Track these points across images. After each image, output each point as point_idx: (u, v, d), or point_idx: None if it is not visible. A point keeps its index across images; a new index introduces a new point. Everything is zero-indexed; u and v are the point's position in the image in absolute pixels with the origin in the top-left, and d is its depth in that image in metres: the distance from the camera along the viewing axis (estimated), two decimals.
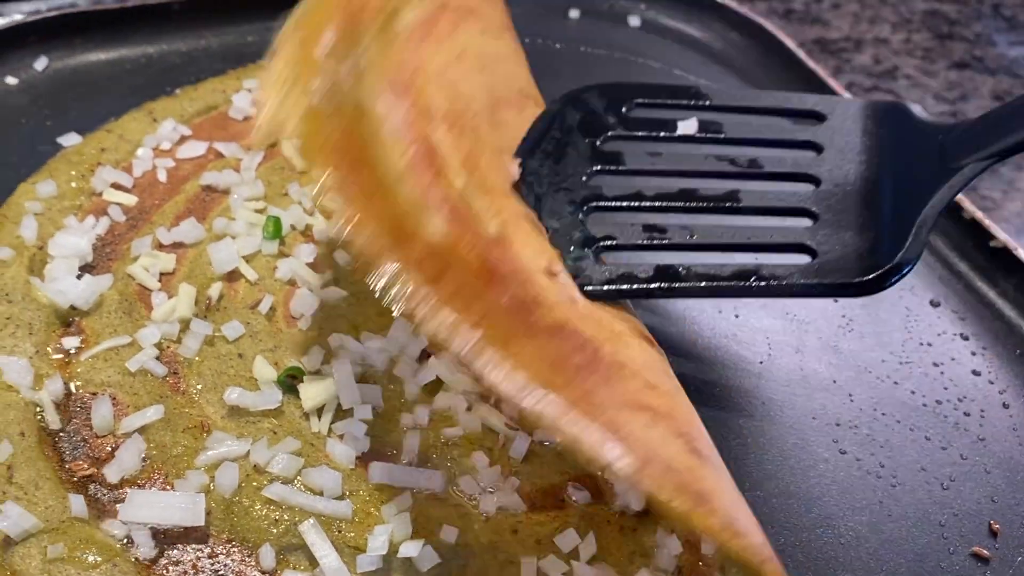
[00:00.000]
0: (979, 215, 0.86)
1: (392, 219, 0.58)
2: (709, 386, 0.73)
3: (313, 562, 0.58)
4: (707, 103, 0.74)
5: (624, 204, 0.69)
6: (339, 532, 0.59)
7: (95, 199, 0.81)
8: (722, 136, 0.73)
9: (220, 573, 0.58)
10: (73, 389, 0.66)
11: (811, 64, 1.04)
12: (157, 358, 0.68)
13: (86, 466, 0.62)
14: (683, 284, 0.64)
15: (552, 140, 0.73)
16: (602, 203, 0.69)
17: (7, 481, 0.60)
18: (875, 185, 0.68)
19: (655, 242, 0.67)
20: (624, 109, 0.75)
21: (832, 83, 1.01)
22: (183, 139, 0.88)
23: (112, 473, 0.61)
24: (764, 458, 0.69)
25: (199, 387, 0.67)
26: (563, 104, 0.76)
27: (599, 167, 0.71)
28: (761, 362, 0.76)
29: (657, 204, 0.69)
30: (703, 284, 0.64)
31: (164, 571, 0.57)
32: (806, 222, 0.67)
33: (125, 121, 0.89)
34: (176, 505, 0.59)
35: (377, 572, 0.58)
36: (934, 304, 0.82)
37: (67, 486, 0.61)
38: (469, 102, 0.76)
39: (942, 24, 1.56)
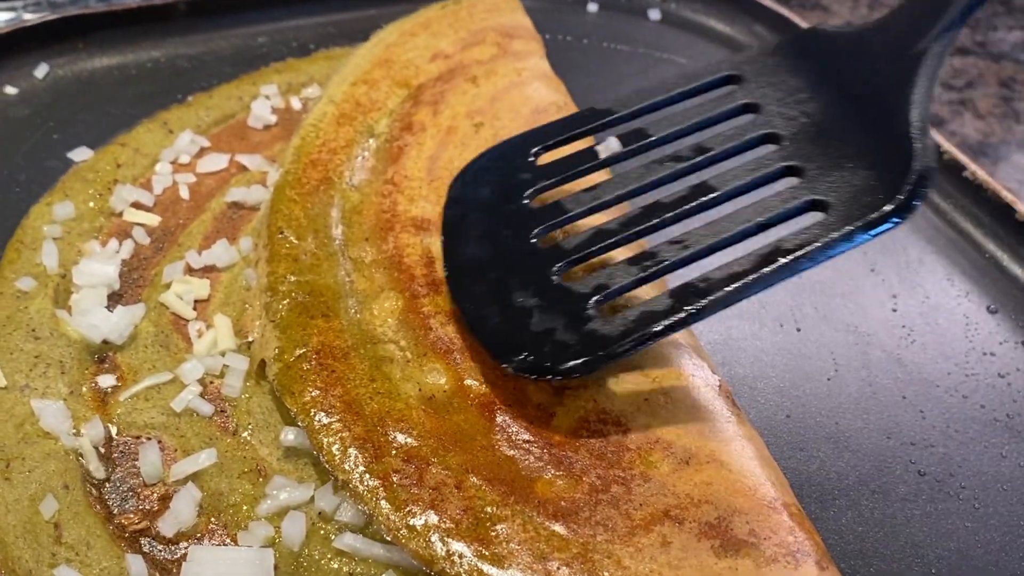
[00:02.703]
0: None
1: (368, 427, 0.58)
2: (781, 409, 0.70)
3: None
4: (616, 116, 0.67)
5: (595, 248, 0.62)
6: None
7: (115, 220, 0.75)
8: (652, 139, 0.66)
9: None
10: (114, 433, 0.62)
11: None
12: (202, 395, 0.64)
13: (136, 519, 0.57)
14: (712, 297, 0.56)
15: (475, 225, 0.66)
16: (570, 258, 0.62)
17: (56, 542, 0.55)
18: (842, 114, 0.61)
19: (654, 269, 0.60)
20: (532, 159, 0.68)
21: None
22: (202, 151, 0.83)
23: (167, 527, 0.57)
24: (845, 484, 0.66)
25: (250, 426, 0.63)
26: (463, 184, 0.69)
27: (542, 226, 0.64)
28: (829, 379, 0.73)
29: (630, 232, 0.62)
30: (733, 288, 0.56)
31: None
32: (794, 181, 0.60)
33: (139, 133, 0.83)
34: (242, 561, 0.54)
35: None
36: (991, 311, 0.80)
37: (120, 543, 0.56)
38: None
39: None
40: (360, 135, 0.78)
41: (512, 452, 0.58)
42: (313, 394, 0.60)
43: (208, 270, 0.72)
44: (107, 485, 0.59)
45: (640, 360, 0.63)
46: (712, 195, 0.61)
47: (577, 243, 0.62)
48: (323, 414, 0.59)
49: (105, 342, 0.66)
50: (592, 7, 1.11)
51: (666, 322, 0.56)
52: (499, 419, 0.60)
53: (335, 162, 0.76)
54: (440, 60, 0.87)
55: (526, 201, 0.65)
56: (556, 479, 0.57)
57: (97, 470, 0.59)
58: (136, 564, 0.54)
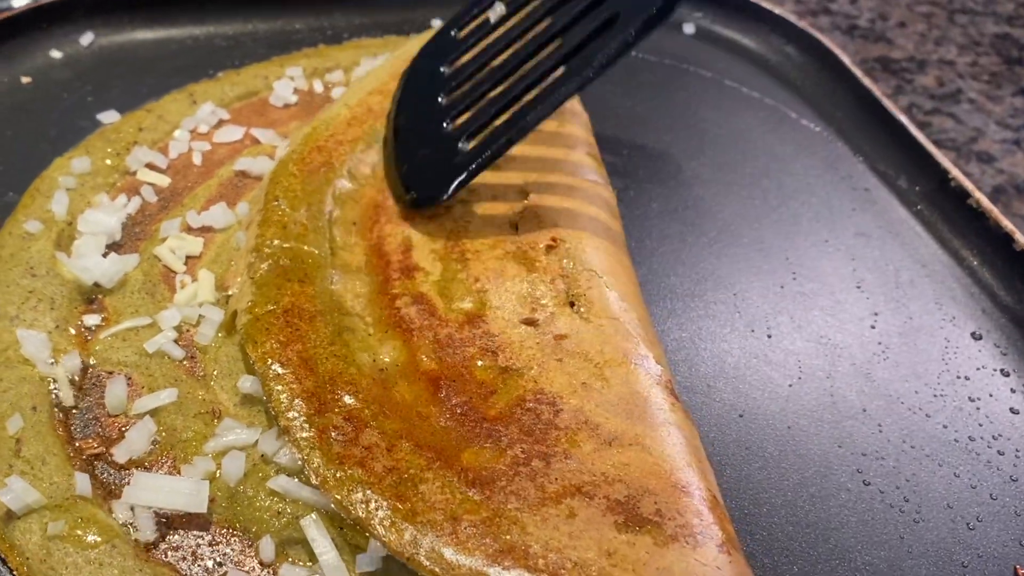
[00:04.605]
0: None
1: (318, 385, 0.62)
2: (734, 408, 0.71)
3: (313, 557, 0.57)
4: None
5: (474, 98, 0.78)
6: (341, 529, 0.58)
7: (128, 178, 0.81)
8: None
9: (219, 561, 0.57)
10: (89, 366, 0.66)
11: (867, 83, 1.02)
12: (176, 341, 0.68)
13: (95, 445, 0.62)
14: (534, 113, 0.74)
15: (412, 95, 0.83)
16: (457, 109, 0.78)
17: (14, 455, 0.60)
18: None
19: (504, 103, 0.75)
20: (454, 33, 0.85)
21: (886, 102, 0.99)
22: (221, 123, 0.88)
23: (120, 454, 0.61)
24: (784, 485, 0.66)
25: (215, 373, 0.67)
26: (413, 64, 0.86)
27: (451, 85, 0.80)
28: (791, 385, 0.73)
29: (496, 79, 0.78)
30: (548, 102, 0.73)
31: (163, 555, 0.57)
32: None
33: (166, 102, 0.89)
34: (180, 490, 0.58)
35: (376, 573, 0.57)
36: (975, 337, 0.79)
37: (74, 464, 0.60)
38: None
39: (1012, 48, 1.52)
40: (367, 135, 0.82)
41: (447, 423, 0.61)
42: (273, 346, 0.63)
43: (205, 230, 0.77)
44: (74, 412, 0.64)
45: (587, 348, 0.65)
46: (551, 33, 0.77)
47: (463, 96, 0.79)
48: (279, 365, 0.62)
49: (96, 285, 0.71)
50: None
51: (503, 140, 0.74)
52: (441, 393, 0.63)
53: (339, 152, 0.79)
54: None
55: (443, 69, 0.83)
56: (483, 450, 0.59)
57: (67, 398, 0.64)
58: (82, 481, 0.58)
